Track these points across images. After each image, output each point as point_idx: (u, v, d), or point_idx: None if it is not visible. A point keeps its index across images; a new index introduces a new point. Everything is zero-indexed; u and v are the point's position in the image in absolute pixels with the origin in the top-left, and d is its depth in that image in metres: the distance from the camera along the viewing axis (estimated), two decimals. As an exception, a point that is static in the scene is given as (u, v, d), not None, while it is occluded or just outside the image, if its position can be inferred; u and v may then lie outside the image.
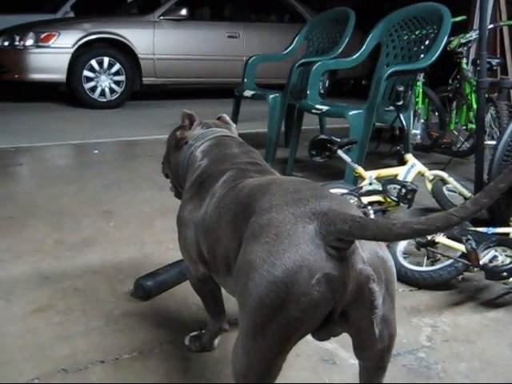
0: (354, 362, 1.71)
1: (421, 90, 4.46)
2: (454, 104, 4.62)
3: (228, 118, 1.91)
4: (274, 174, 1.55)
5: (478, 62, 2.72)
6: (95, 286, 2.19)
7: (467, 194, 3.08)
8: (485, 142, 3.28)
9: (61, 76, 6.71)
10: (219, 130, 1.77)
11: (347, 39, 4.37)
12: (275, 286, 1.04)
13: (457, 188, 3.15)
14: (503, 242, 2.20)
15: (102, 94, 6.91)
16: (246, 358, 1.13)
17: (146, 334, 1.85)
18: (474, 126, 4.08)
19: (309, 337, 1.90)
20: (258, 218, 1.15)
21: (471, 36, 4.41)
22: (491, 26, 4.91)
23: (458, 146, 4.53)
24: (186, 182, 1.69)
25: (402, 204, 2.86)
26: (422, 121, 4.57)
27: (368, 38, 4.00)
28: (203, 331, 1.79)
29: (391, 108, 3.67)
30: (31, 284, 2.18)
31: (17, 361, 1.68)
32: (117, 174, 3.86)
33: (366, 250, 1.09)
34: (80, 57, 6.74)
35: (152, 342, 1.81)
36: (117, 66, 6.92)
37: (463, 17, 4.52)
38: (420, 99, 4.46)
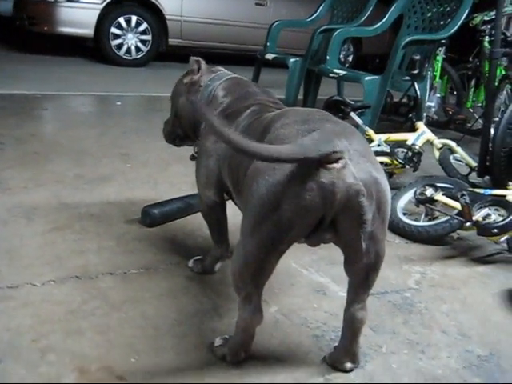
0: (343, 294, 1.85)
1: (440, 65, 4.51)
2: (473, 82, 4.66)
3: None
4: None
5: (493, 32, 2.77)
6: (109, 213, 2.34)
7: (473, 163, 3.16)
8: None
9: (89, 31, 6.83)
10: (230, 72, 1.91)
11: (371, 8, 4.43)
12: (273, 187, 1.19)
13: (464, 157, 3.23)
14: (498, 202, 2.29)
15: (128, 51, 7.03)
16: (243, 254, 1.28)
17: (153, 256, 2.01)
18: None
19: (303, 270, 2.04)
20: (270, 135, 1.33)
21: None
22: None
23: (472, 123, 4.58)
24: None
25: (408, 167, 2.97)
26: (438, 95, 4.63)
27: (391, 9, 4.06)
28: (206, 256, 1.94)
29: (408, 78, 3.75)
30: (51, 208, 2.34)
31: (36, 265, 1.84)
32: (137, 124, 4.00)
33: (358, 168, 1.19)
34: (108, 14, 6.83)
35: (158, 262, 1.97)
36: (144, 25, 7.02)
37: (489, -5, 4.53)
38: (438, 74, 4.52)
